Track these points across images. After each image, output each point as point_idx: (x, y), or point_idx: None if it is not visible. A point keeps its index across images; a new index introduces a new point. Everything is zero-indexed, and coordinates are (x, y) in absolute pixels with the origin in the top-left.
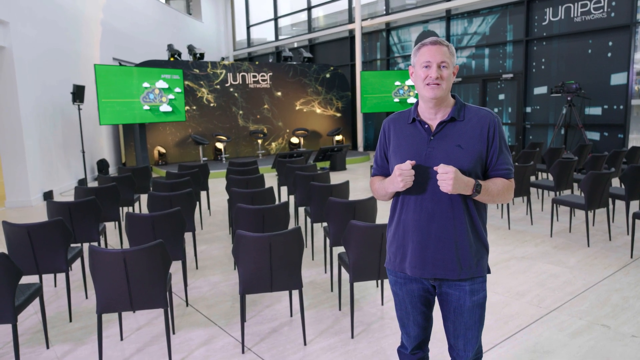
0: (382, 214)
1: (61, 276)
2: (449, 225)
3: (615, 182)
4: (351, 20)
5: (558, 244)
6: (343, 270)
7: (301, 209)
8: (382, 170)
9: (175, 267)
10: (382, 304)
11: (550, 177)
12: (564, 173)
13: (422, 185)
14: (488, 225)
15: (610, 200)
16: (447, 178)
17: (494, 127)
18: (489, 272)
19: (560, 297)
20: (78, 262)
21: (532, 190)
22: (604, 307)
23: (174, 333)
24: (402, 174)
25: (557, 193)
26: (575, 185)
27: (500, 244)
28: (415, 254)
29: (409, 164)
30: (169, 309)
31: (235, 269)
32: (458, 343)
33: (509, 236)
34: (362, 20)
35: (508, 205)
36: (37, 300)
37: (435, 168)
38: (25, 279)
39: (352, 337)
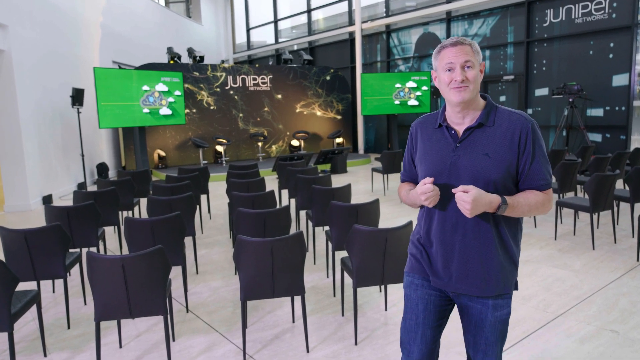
0: (385, 218)
1: (59, 282)
2: (473, 238)
3: (619, 184)
4: (351, 22)
5: (563, 247)
6: (346, 275)
7: (302, 213)
8: (411, 175)
9: (175, 272)
10: (386, 309)
11: (554, 179)
12: (567, 175)
13: (445, 195)
14: None
15: (614, 202)
16: (466, 201)
17: (526, 133)
18: (516, 288)
19: (566, 301)
20: (77, 267)
21: None
22: (612, 311)
23: (174, 340)
24: (427, 196)
25: (561, 195)
26: (578, 187)
27: None
28: (439, 266)
29: (429, 182)
30: (168, 316)
31: (236, 273)
32: (477, 357)
33: None
34: (362, 22)
35: None
36: (34, 307)
37: (453, 190)
38: (23, 285)
39: (356, 343)
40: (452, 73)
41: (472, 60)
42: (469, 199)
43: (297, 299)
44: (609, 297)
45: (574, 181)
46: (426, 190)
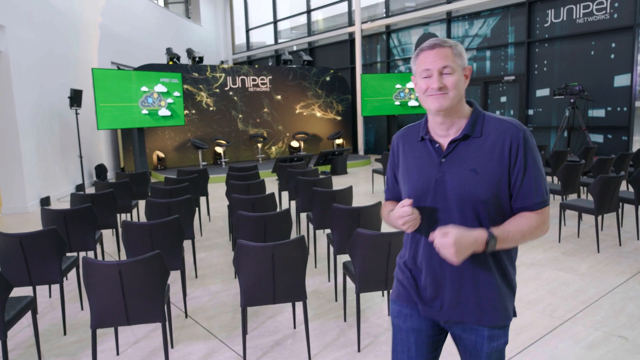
0: None
1: (56, 287)
2: (465, 262)
3: (622, 185)
4: (351, 23)
5: (567, 250)
6: (348, 279)
7: (303, 215)
8: (395, 194)
9: (174, 276)
10: (389, 314)
11: (556, 180)
12: (570, 177)
13: (432, 217)
14: None
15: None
16: (447, 246)
17: (517, 143)
18: (514, 315)
19: (573, 306)
20: (73, 271)
21: None
22: (619, 316)
23: (172, 347)
24: (404, 220)
25: (564, 197)
26: (581, 188)
27: None
28: (428, 293)
29: (407, 205)
30: (166, 323)
31: (235, 277)
32: None
33: None
34: (362, 23)
35: None
36: (30, 313)
37: (430, 238)
38: (19, 291)
39: (359, 350)
40: (429, 80)
41: (451, 65)
42: (451, 241)
43: (299, 303)
44: (616, 301)
45: (578, 183)
46: (403, 213)
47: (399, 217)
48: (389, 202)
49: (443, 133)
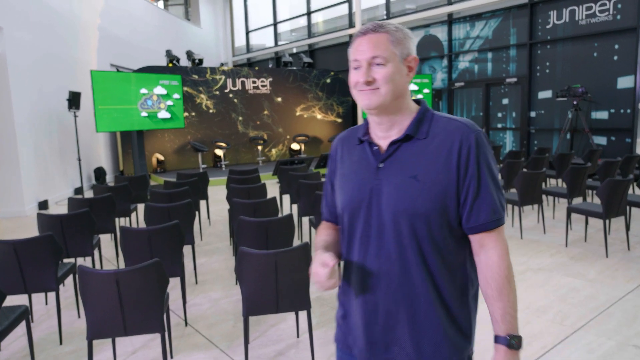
0: None
1: (53, 293)
2: (401, 293)
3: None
4: (351, 25)
5: (575, 255)
6: None
7: (305, 219)
8: (333, 212)
9: (174, 283)
10: None
11: (560, 183)
12: (576, 180)
13: (365, 232)
14: None
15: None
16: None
17: (468, 147)
18: None
19: (584, 313)
20: (70, 277)
21: (542, 197)
22: (632, 325)
23: (172, 357)
24: (316, 281)
25: (570, 200)
26: (587, 191)
27: (514, 255)
28: (360, 331)
29: (331, 265)
30: (166, 333)
31: (237, 283)
32: None
33: (522, 246)
34: (363, 24)
35: (520, 213)
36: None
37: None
38: (14, 298)
39: None
40: (358, 73)
41: (383, 55)
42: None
43: (302, 311)
44: (628, 309)
45: (584, 186)
46: (319, 277)
47: (314, 274)
48: (325, 225)
49: (383, 134)
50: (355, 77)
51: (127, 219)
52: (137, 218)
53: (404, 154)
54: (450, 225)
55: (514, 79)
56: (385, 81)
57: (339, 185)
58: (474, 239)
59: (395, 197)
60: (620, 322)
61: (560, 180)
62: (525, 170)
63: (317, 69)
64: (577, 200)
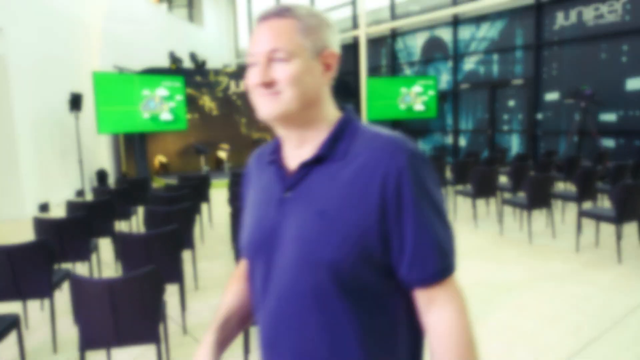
0: None
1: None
2: (312, 343)
3: None
4: (355, 27)
5: (586, 261)
6: None
7: None
8: None
9: (172, 289)
10: None
11: (568, 187)
12: (587, 183)
13: (263, 288)
14: (506, 240)
15: None
16: None
17: (398, 172)
18: None
19: (599, 324)
20: (67, 283)
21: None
22: None
23: None
24: None
25: (580, 204)
26: (597, 195)
27: (523, 261)
28: None
29: None
30: (162, 344)
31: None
32: None
33: (531, 251)
34: (367, 26)
35: (528, 217)
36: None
37: None
38: (9, 305)
39: None
40: (254, 70)
41: (286, 49)
42: None
43: None
44: None
45: (594, 189)
46: None
47: None
48: (242, 269)
49: (293, 152)
50: (250, 77)
51: (128, 222)
52: (138, 221)
53: (314, 182)
54: (369, 282)
55: (521, 81)
56: (289, 83)
57: (245, 216)
58: (420, 295)
59: (297, 240)
60: (637, 333)
61: (568, 184)
62: (532, 173)
63: None
64: (587, 204)
